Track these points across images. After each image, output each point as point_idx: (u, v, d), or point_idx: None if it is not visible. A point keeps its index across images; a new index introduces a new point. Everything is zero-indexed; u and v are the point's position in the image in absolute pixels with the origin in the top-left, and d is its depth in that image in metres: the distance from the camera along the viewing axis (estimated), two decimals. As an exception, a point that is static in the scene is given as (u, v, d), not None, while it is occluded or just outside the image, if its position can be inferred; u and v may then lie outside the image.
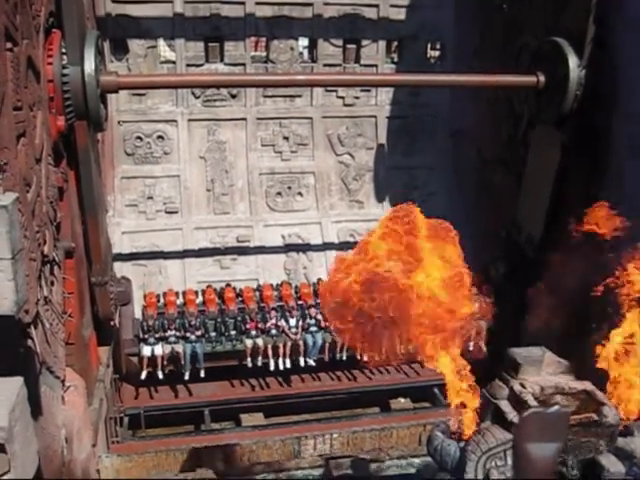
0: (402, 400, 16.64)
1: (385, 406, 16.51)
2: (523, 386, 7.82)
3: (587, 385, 7.99)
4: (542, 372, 8.13)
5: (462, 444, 8.03)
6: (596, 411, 7.59)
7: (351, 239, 17.96)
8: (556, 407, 7.39)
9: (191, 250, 16.99)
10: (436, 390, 16.34)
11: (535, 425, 7.36)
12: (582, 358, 8.29)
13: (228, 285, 16.06)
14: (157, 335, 14.59)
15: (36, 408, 7.88)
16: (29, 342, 7.90)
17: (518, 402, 7.67)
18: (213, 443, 14.13)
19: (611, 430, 7.56)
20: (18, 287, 6.55)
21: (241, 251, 17.30)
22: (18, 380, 6.23)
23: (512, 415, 7.56)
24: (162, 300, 15.37)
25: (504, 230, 15.33)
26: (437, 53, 19.37)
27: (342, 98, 18.10)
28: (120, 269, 16.15)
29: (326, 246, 17.76)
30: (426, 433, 13.54)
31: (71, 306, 10.80)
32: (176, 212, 17.21)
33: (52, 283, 9.37)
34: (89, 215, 11.43)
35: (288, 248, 17.61)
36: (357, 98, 18.20)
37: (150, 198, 17.06)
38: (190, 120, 17.34)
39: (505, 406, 7.78)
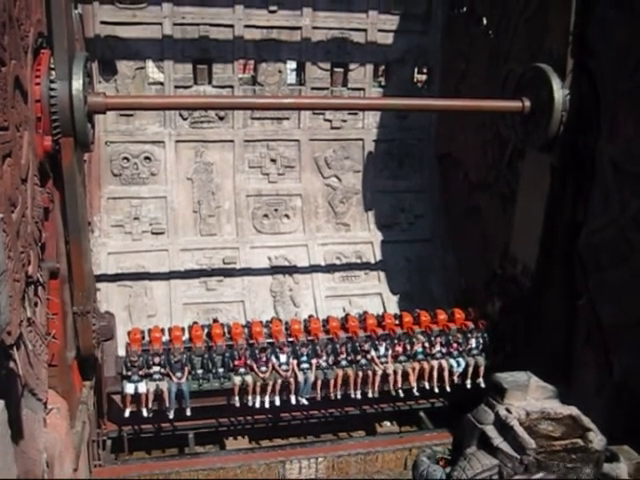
0: (388, 424, 16.53)
1: (371, 430, 16.39)
2: (509, 411, 7.81)
3: (573, 410, 8.00)
4: (528, 397, 8.13)
5: (448, 470, 7.99)
6: (582, 437, 7.59)
7: (337, 262, 17.97)
8: (540, 474, 7.32)
9: (177, 271, 16.89)
10: (422, 414, 16.29)
11: None
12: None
13: (215, 321, 15.63)
14: (141, 372, 13.88)
15: (17, 432, 7.77)
16: (11, 364, 7.80)
17: (504, 427, 7.66)
18: (196, 467, 13.99)
19: (597, 456, 7.55)
20: (1, 308, 6.46)
21: (227, 273, 17.22)
22: (-1, 403, 6.15)
23: (498, 440, 7.54)
24: (147, 337, 14.66)
25: (498, 266, 15.38)
26: (424, 77, 19.58)
27: (329, 121, 18.21)
28: (105, 290, 16.06)
29: (312, 268, 17.73)
30: (412, 457, 13.48)
31: (55, 327, 10.68)
32: (162, 233, 17.14)
33: (36, 304, 9.28)
34: (73, 238, 11.29)
35: (274, 270, 17.56)
36: (344, 121, 18.31)
37: (136, 219, 16.98)
38: (177, 141, 17.36)
39: (491, 431, 7.76)
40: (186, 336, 14.83)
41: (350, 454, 14.69)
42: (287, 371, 14.41)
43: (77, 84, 10.31)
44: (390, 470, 14.80)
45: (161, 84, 17.09)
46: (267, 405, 14.42)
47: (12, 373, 7.89)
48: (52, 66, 10.02)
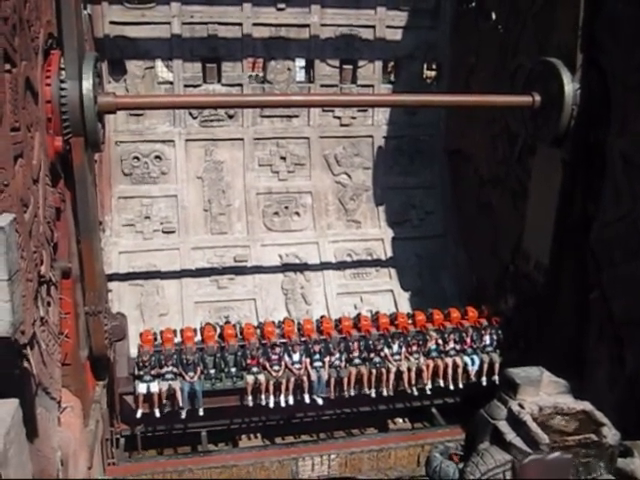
0: (400, 421, 16.52)
1: (383, 427, 16.38)
2: (522, 406, 7.79)
3: (586, 405, 7.96)
4: (540, 392, 8.10)
5: (461, 465, 7.98)
6: (595, 432, 7.55)
7: (348, 259, 17.95)
8: (557, 454, 7.27)
9: (188, 270, 16.92)
10: (434, 410, 16.26)
11: (536, 473, 7.27)
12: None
13: (227, 322, 15.72)
14: (153, 372, 13.88)
15: (32, 430, 7.82)
16: (25, 363, 7.85)
17: (516, 422, 7.63)
18: (209, 464, 14.03)
19: (611, 451, 7.51)
20: (14, 308, 6.52)
21: (238, 271, 17.23)
22: (14, 402, 6.19)
23: (511, 436, 7.52)
24: (159, 339, 14.68)
25: (510, 262, 15.34)
26: (433, 73, 19.53)
27: (339, 118, 18.18)
28: (117, 289, 16.12)
29: (323, 266, 17.72)
30: (425, 454, 13.47)
31: (67, 327, 10.75)
32: (173, 232, 17.17)
33: (49, 303, 9.34)
34: (84, 238, 11.33)
35: (285, 268, 17.55)
36: (354, 118, 18.27)
37: (147, 218, 17.02)
38: (187, 140, 17.39)
39: (504, 427, 7.74)
40: (198, 337, 14.86)
41: (363, 451, 14.68)
42: (300, 369, 14.43)
43: (87, 84, 10.35)
44: (403, 467, 14.78)
45: (170, 83, 17.12)
46: (283, 404, 14.41)
47: (26, 372, 7.94)
48: (62, 67, 10.07)
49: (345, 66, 17.81)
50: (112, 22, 16.00)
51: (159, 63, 17.44)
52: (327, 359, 14.59)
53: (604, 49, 11.97)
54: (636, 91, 11.32)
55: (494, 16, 15.89)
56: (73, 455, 10.42)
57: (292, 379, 14.41)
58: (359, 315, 15.93)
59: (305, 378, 14.44)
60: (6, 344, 6.84)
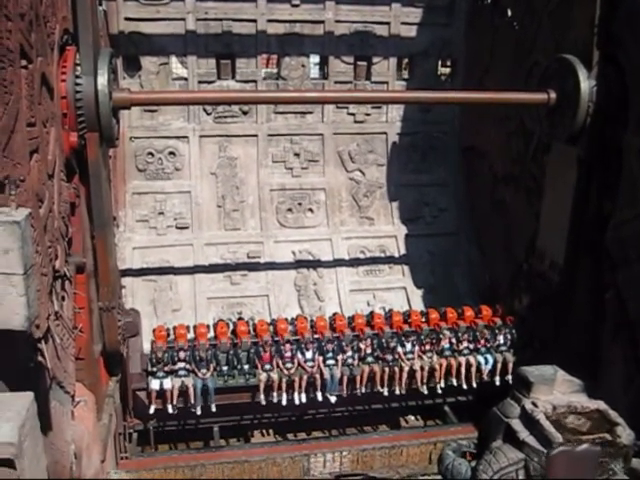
0: (412, 418, 16.49)
1: (395, 424, 16.36)
2: (535, 405, 7.75)
3: (600, 404, 7.92)
4: (554, 391, 8.06)
5: (473, 463, 7.97)
6: (609, 431, 7.51)
7: (361, 256, 17.93)
8: (585, 445, 7.25)
9: (201, 266, 16.96)
10: (447, 408, 16.23)
11: (563, 464, 7.24)
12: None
13: (240, 318, 15.73)
14: (166, 368, 13.97)
15: (46, 423, 7.87)
16: (40, 357, 7.90)
17: (530, 421, 7.61)
18: (222, 460, 14.07)
19: (625, 450, 7.46)
20: (30, 302, 6.56)
21: (251, 267, 17.26)
22: (28, 395, 6.23)
23: (524, 434, 7.49)
24: (172, 334, 14.73)
25: (525, 260, 15.25)
26: (448, 70, 19.45)
27: (353, 115, 18.16)
28: (131, 284, 16.19)
29: (336, 262, 17.71)
30: (437, 451, 13.45)
31: (82, 321, 10.80)
32: (187, 228, 17.21)
33: (63, 298, 9.39)
34: (98, 233, 11.39)
35: (298, 264, 17.55)
36: (368, 115, 18.25)
37: (161, 214, 17.07)
38: (201, 136, 17.42)
39: (517, 425, 7.71)
40: (211, 333, 14.90)
41: (375, 448, 14.67)
42: (313, 367, 14.42)
43: (102, 80, 10.39)
44: (415, 464, 14.76)
45: (185, 79, 17.16)
46: (297, 402, 14.42)
47: (40, 366, 8.00)
48: (78, 62, 10.11)
49: (359, 62, 17.78)
50: (127, 18, 16.05)
51: (174, 59, 17.47)
52: (340, 357, 14.59)
53: (622, 46, 11.85)
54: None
55: (510, 13, 15.81)
56: (86, 448, 10.48)
57: (305, 377, 14.40)
58: (372, 313, 15.91)
59: (318, 376, 14.44)
60: (21, 338, 6.88)
